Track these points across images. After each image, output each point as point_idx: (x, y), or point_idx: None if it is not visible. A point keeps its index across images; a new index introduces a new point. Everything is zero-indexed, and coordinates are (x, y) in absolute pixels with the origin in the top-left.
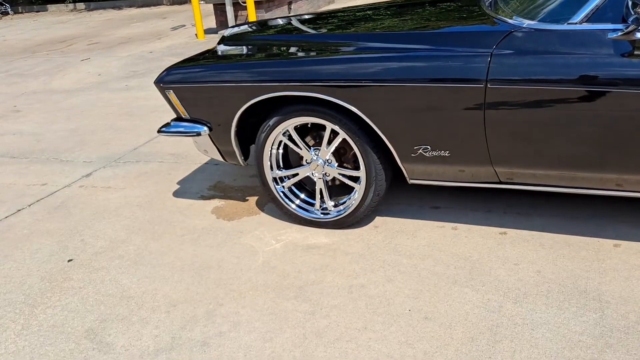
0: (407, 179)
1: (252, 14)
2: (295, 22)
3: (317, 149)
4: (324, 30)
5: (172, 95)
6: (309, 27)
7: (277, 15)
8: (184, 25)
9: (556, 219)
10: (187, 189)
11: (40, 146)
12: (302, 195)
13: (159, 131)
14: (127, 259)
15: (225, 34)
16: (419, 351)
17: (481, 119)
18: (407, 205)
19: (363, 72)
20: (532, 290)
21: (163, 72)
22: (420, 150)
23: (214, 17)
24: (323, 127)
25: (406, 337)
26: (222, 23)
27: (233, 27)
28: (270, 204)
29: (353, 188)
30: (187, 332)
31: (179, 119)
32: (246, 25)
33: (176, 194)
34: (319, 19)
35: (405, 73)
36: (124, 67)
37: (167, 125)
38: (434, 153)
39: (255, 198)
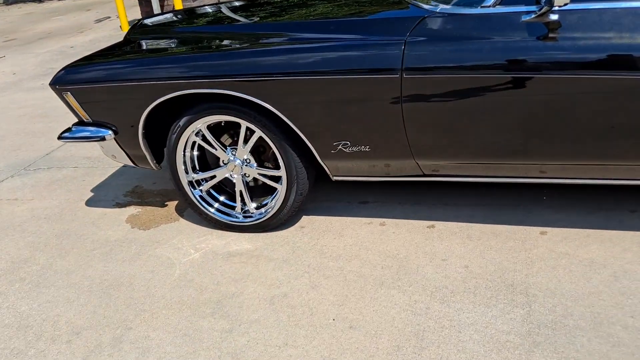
0: (331, 176)
1: (178, 3)
2: (224, 10)
3: (235, 148)
4: (243, 21)
5: (70, 98)
6: (232, 16)
7: (205, 3)
8: (109, 17)
9: (483, 209)
10: (102, 196)
11: None
12: (222, 198)
13: (59, 137)
14: (29, 282)
15: (147, 23)
16: None
17: (399, 111)
18: (335, 202)
19: (272, 64)
20: (460, 288)
21: (59, 72)
22: (340, 147)
23: (138, 7)
24: (239, 125)
25: (329, 351)
26: (147, 13)
27: (156, 15)
28: (191, 209)
29: (276, 188)
30: None
31: (80, 122)
32: (171, 14)
33: (89, 202)
34: (250, 6)
35: (317, 65)
36: (42, 64)
37: (68, 130)
38: (355, 149)
39: (175, 203)
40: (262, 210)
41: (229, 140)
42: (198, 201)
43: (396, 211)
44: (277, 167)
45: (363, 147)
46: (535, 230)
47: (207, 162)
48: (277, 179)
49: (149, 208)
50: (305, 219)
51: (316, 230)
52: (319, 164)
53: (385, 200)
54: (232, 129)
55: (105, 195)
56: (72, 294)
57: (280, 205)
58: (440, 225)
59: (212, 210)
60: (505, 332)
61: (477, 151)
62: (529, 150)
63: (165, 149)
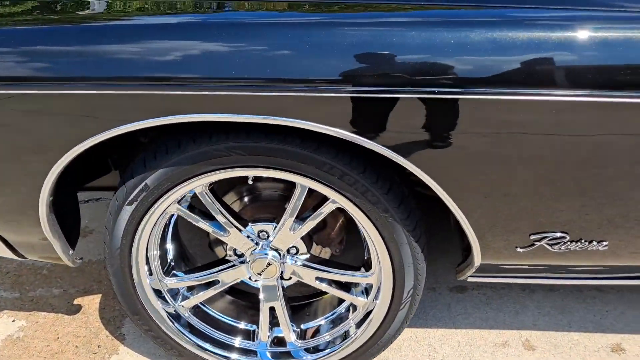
0: (464, 276)
1: None
2: None
3: (262, 224)
4: None
5: None
6: None
7: None
8: None
9: None
10: None
11: None
12: (243, 325)
13: None
14: None
15: None
16: None
17: None
18: None
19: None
20: None
21: None
22: (544, 242)
23: None
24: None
25: None
26: None
27: None
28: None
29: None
30: None
31: None
32: None
33: None
34: None
35: (525, 73)
36: None
37: None
38: (573, 246)
39: (96, 300)
40: (319, 341)
41: (237, 204)
42: (177, 329)
43: (532, 312)
44: (353, 265)
45: (595, 243)
46: None
47: (181, 246)
48: (347, 286)
49: (50, 317)
50: None
51: None
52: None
53: (493, 285)
54: (242, 185)
55: None
56: None
57: (367, 342)
58: (630, 343)
59: (208, 346)
60: None
61: None
62: None
63: (107, 220)
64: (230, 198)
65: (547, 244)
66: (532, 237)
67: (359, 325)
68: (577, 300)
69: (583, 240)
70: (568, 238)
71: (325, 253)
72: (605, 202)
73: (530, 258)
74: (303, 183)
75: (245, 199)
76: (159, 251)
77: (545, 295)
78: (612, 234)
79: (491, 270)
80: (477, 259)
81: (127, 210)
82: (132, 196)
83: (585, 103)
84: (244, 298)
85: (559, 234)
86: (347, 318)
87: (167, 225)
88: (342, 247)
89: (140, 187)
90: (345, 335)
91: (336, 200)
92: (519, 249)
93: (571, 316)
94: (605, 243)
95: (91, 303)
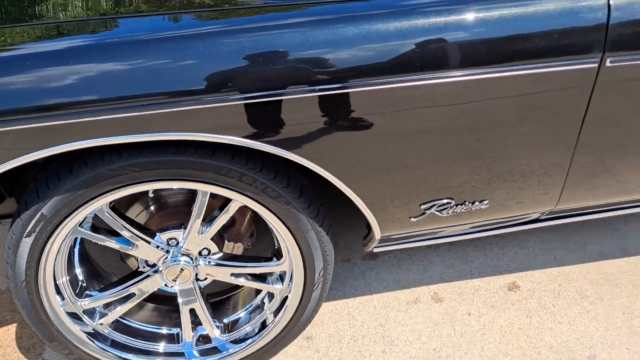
0: (369, 248)
1: None
2: None
3: (170, 232)
4: None
5: None
6: None
7: None
8: None
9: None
10: None
11: None
12: (166, 330)
13: None
14: None
15: None
16: None
17: (574, 129)
18: None
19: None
20: None
21: None
22: (433, 210)
23: None
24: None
25: None
26: None
27: None
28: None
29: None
30: None
31: None
32: None
33: None
34: None
35: (411, 58)
36: None
37: None
38: (460, 209)
39: (11, 328)
40: (240, 332)
41: (141, 216)
42: (99, 348)
43: (438, 267)
44: (267, 252)
45: (477, 203)
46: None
47: (92, 264)
48: (263, 277)
49: None
50: None
51: (338, 339)
52: None
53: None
54: (144, 197)
55: None
56: None
57: (286, 326)
58: (525, 282)
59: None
60: None
61: None
62: None
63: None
64: (133, 211)
65: (436, 211)
66: (422, 206)
67: (279, 308)
68: (476, 248)
69: (466, 202)
70: (453, 202)
71: (238, 248)
72: (479, 165)
73: (424, 225)
74: (204, 189)
75: (150, 209)
76: (67, 276)
77: (448, 249)
78: (491, 193)
79: (392, 240)
80: (377, 233)
81: (27, 243)
82: (29, 228)
83: (456, 82)
84: (165, 303)
85: (445, 200)
86: (266, 305)
87: (72, 247)
88: (253, 239)
89: (36, 217)
90: (264, 323)
91: (239, 200)
92: (412, 219)
93: (472, 264)
94: (486, 202)
95: (6, 334)
